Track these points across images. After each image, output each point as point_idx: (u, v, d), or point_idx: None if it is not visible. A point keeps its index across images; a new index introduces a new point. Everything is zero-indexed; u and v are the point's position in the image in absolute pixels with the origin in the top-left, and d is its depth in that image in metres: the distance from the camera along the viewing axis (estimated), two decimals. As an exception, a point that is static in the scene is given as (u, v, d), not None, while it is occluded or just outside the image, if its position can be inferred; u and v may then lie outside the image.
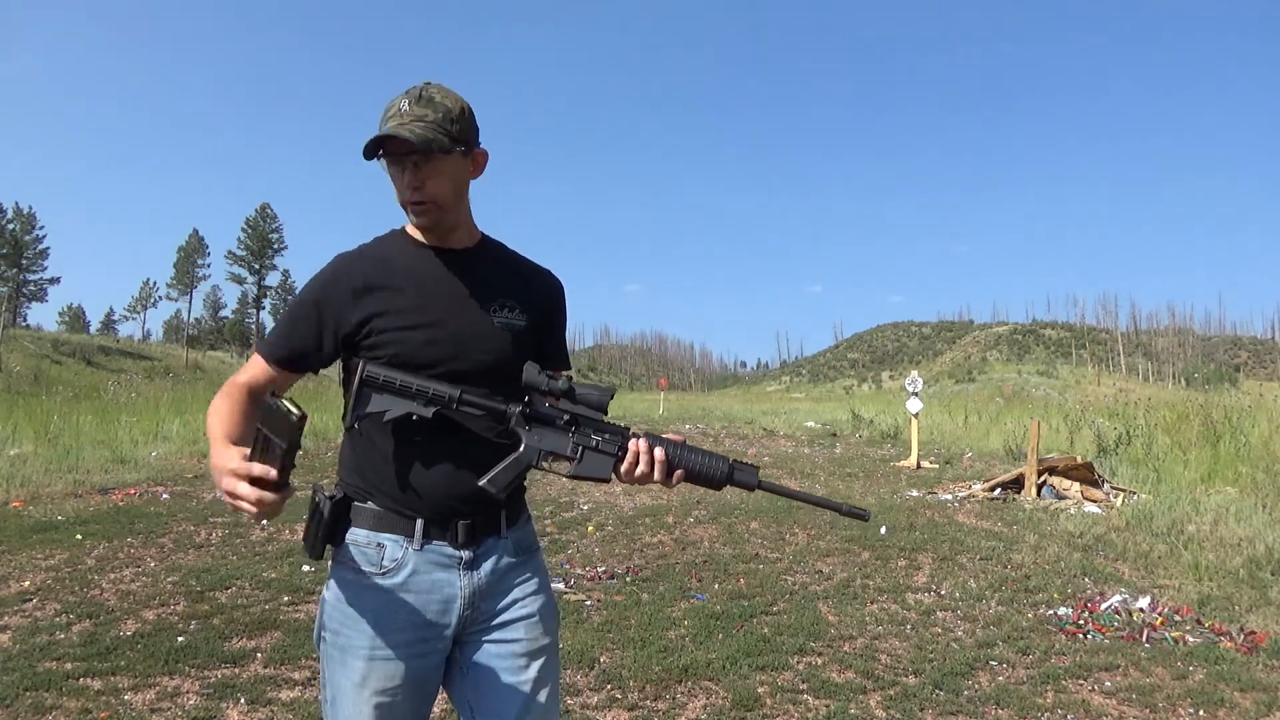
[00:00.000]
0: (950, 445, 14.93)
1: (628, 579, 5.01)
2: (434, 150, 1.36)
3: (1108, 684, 3.49)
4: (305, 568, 4.97)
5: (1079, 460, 9.03)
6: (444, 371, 1.40)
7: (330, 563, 1.46)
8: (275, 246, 69.28)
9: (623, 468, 1.40)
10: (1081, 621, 4.29)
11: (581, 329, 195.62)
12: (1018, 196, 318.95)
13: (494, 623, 1.47)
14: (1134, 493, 8.39)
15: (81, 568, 4.96)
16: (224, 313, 77.52)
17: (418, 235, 1.49)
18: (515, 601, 1.48)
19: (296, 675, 3.36)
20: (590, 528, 6.56)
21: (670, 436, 1.44)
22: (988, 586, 5.00)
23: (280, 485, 1.19)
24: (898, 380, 78.12)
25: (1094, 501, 8.07)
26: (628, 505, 7.74)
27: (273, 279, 71.22)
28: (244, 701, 3.10)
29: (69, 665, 3.39)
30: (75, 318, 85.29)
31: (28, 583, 4.59)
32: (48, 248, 61.84)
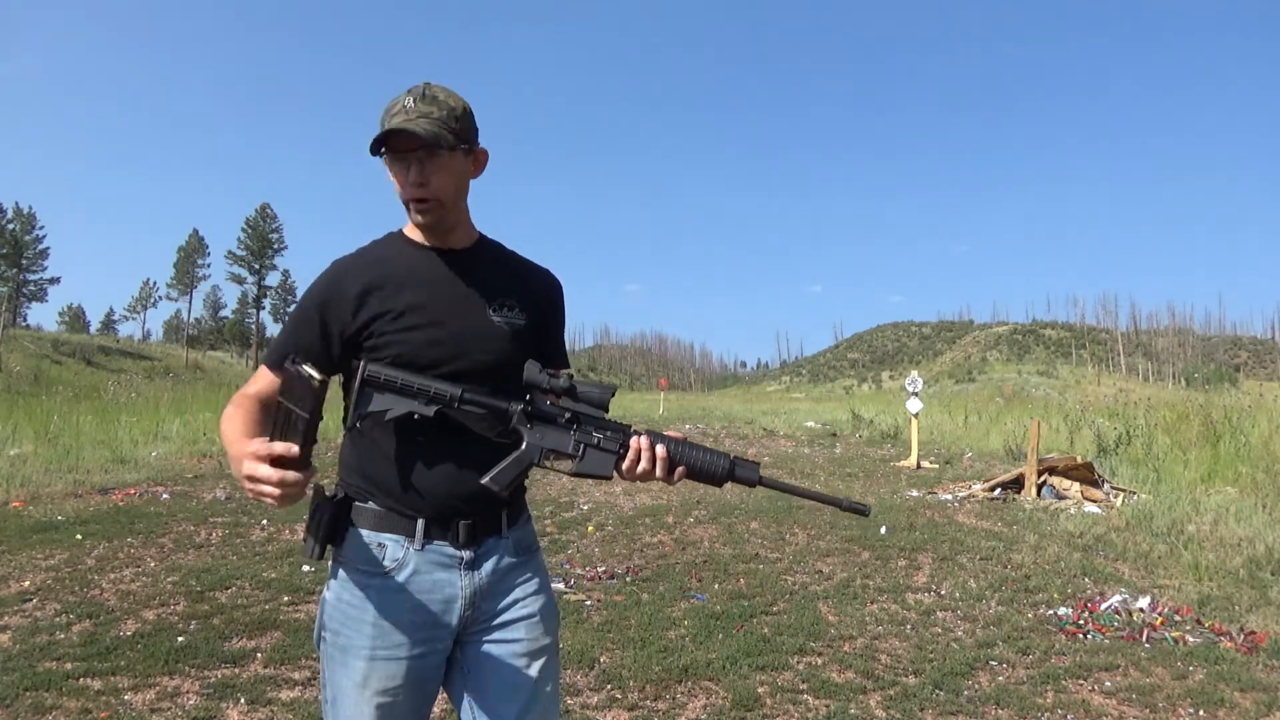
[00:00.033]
0: (950, 445, 14.93)
1: (628, 579, 5.01)
2: (441, 146, 1.36)
3: (1108, 684, 3.49)
4: (305, 568, 4.97)
5: (1079, 460, 9.03)
6: (446, 371, 1.40)
7: (331, 563, 1.46)
8: (275, 246, 69.29)
9: (624, 465, 1.40)
10: (1081, 621, 4.29)
11: (581, 329, 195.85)
12: (1018, 196, 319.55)
13: (495, 623, 1.47)
14: (1134, 493, 8.39)
15: (81, 568, 4.96)
16: (224, 313, 77.55)
17: (416, 237, 1.49)
18: (516, 601, 1.49)
19: (296, 675, 3.36)
20: (590, 528, 6.56)
21: (672, 434, 1.44)
22: (988, 586, 5.00)
23: (303, 464, 1.17)
24: (898, 380, 78.11)
25: (1094, 501, 8.07)
26: (628, 505, 7.74)
27: (273, 279, 71.33)
28: (244, 701, 3.10)
29: (69, 665, 3.39)
30: (75, 318, 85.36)
31: (28, 583, 4.59)
32: (48, 248, 62.01)
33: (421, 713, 1.45)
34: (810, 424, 21.72)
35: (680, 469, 1.42)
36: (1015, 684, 3.46)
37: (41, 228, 61.93)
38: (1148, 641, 4.02)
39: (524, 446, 1.39)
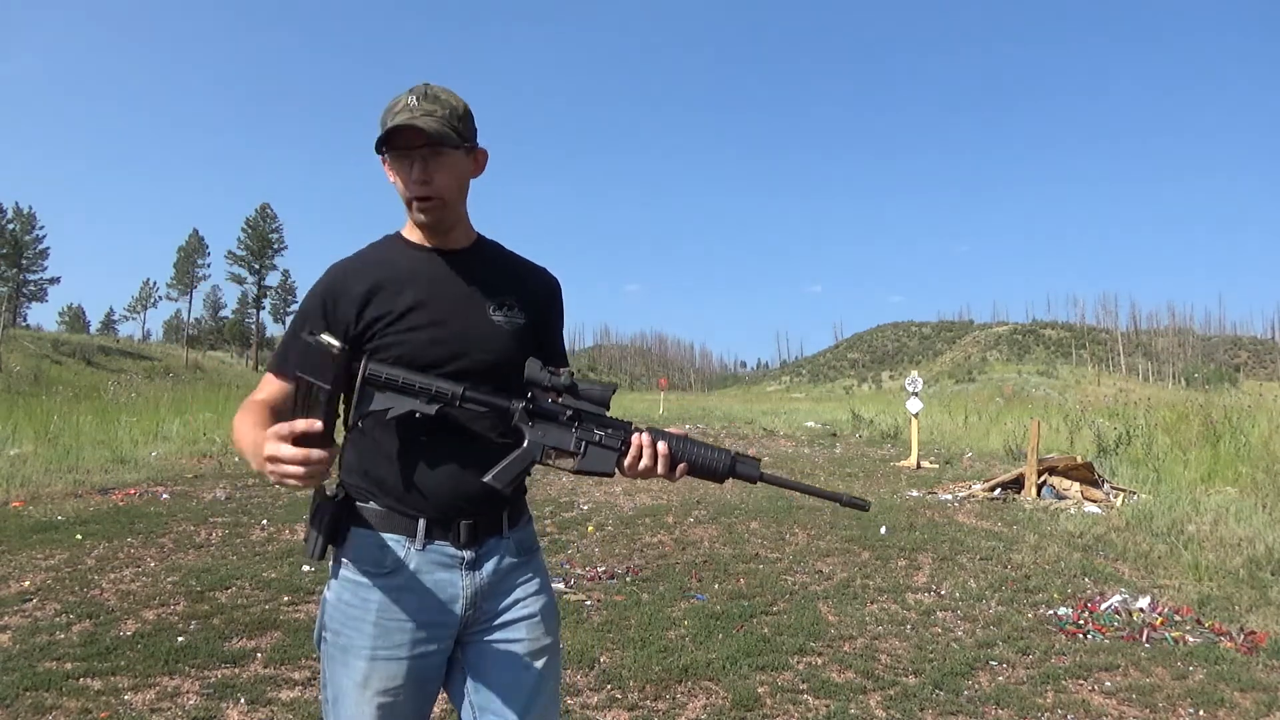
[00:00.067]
0: (950, 445, 14.93)
1: (628, 579, 5.01)
2: (446, 143, 1.37)
3: (1108, 684, 3.49)
4: (305, 568, 4.97)
5: (1079, 460, 9.03)
6: (447, 371, 1.40)
7: (331, 563, 1.46)
8: (275, 246, 69.32)
9: (626, 462, 1.40)
10: (1081, 621, 4.29)
11: (581, 329, 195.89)
12: (1018, 196, 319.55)
13: (496, 623, 1.47)
14: (1134, 493, 8.40)
15: (81, 568, 4.96)
16: (224, 313, 77.52)
17: (414, 238, 1.49)
18: (517, 601, 1.49)
19: (296, 675, 3.36)
20: (590, 528, 6.56)
21: (673, 431, 1.44)
22: (988, 586, 5.00)
23: (327, 440, 1.13)
24: (898, 380, 78.14)
25: (1094, 501, 8.07)
26: (628, 505, 7.74)
27: (273, 279, 71.36)
28: (244, 701, 3.10)
29: (69, 665, 3.39)
30: (75, 318, 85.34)
31: (28, 583, 4.59)
32: (48, 248, 62.02)
33: (422, 713, 1.45)
34: (810, 424, 21.72)
35: (682, 465, 1.42)
36: (1015, 684, 3.46)
37: (41, 228, 62.01)
38: (1148, 641, 4.02)
39: (526, 444, 1.39)
